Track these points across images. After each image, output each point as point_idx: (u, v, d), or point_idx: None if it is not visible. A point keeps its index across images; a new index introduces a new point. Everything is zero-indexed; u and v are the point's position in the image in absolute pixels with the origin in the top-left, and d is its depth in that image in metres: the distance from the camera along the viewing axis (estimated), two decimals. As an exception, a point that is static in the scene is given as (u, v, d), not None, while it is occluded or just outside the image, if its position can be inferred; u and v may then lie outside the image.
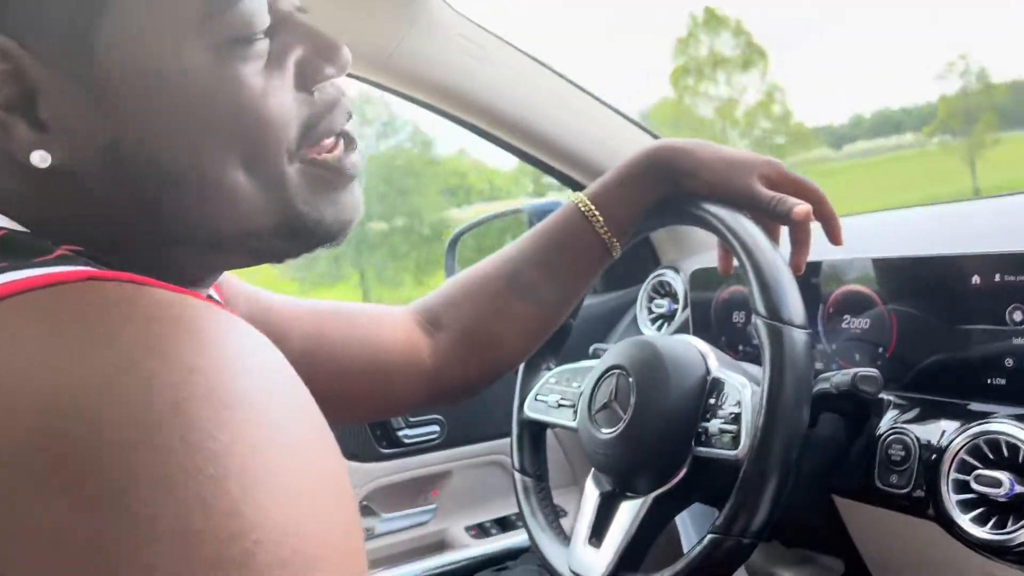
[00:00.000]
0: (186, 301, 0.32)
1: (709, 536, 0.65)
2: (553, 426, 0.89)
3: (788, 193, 0.71)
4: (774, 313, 0.65)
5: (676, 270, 1.18)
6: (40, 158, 0.35)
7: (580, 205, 0.74)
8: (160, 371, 0.28)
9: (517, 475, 0.92)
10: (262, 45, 0.39)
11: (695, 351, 0.76)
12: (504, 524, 1.31)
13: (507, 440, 1.25)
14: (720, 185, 0.71)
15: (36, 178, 0.36)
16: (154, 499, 0.26)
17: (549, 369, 0.92)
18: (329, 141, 0.44)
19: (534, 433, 0.92)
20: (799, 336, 0.64)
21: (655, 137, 1.18)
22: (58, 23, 0.35)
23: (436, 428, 1.22)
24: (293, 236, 0.43)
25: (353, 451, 1.18)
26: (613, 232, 0.74)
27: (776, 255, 0.68)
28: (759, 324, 0.66)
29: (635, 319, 1.22)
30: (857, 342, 0.84)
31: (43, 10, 0.34)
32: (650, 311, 1.20)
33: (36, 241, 0.35)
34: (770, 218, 0.71)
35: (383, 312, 0.76)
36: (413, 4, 0.96)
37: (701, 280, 1.07)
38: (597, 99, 1.15)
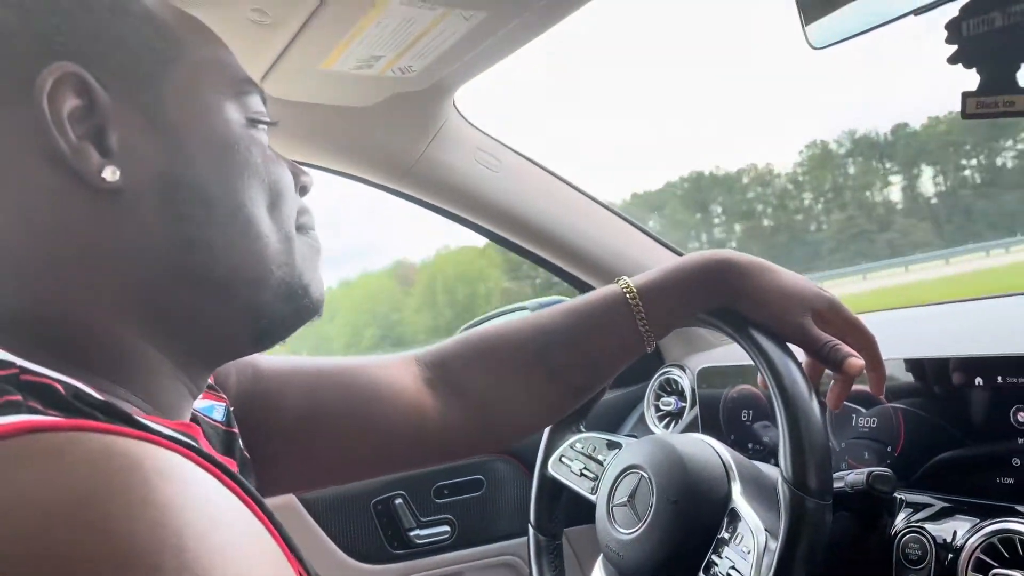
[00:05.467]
0: (127, 451, 0.31)
1: None
2: (572, 491, 0.90)
3: (840, 333, 0.70)
4: (800, 482, 0.63)
5: (682, 368, 1.21)
6: (111, 172, 0.40)
7: (627, 294, 0.71)
8: (77, 541, 0.27)
9: (531, 531, 0.94)
10: (266, 136, 0.48)
11: (718, 465, 0.76)
12: (515, 630, 1.29)
13: (519, 540, 1.26)
14: (773, 317, 0.70)
15: (95, 201, 0.41)
16: None
17: (579, 431, 0.94)
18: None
19: (554, 492, 0.94)
20: (820, 509, 0.63)
21: (677, 253, 1.23)
22: (136, 67, 0.42)
23: (447, 528, 1.22)
24: (290, 300, 0.47)
25: (363, 552, 1.17)
26: (651, 328, 0.71)
27: (815, 415, 0.65)
28: (782, 488, 0.65)
29: (643, 416, 1.24)
30: (865, 440, 0.86)
31: (125, 55, 0.42)
32: (657, 408, 1.22)
33: None
34: (818, 361, 0.70)
35: (384, 367, 0.72)
36: (433, 120, 1.03)
37: (708, 378, 1.10)
38: (608, 208, 1.21)
